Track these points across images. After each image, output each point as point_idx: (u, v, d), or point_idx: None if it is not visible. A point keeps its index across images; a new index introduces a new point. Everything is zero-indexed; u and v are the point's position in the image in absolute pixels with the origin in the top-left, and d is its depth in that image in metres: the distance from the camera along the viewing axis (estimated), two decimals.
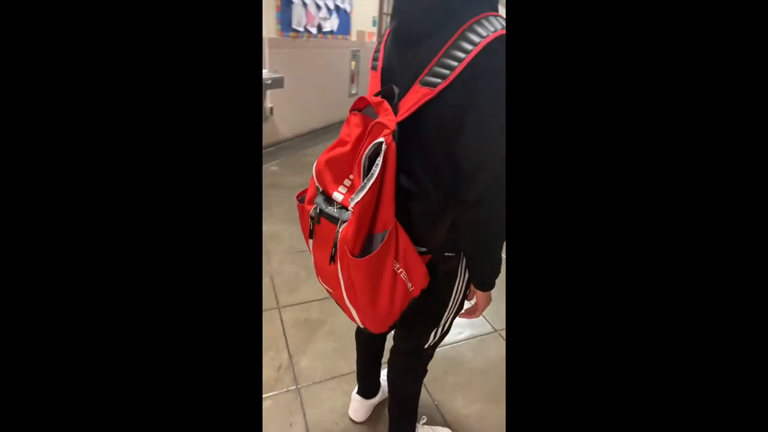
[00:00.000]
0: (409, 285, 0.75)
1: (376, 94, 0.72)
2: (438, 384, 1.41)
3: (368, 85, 0.78)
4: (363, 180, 0.66)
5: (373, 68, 0.76)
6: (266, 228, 2.30)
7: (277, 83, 2.81)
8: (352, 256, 0.68)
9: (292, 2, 3.19)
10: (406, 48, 0.69)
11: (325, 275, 0.81)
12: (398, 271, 0.73)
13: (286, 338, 1.55)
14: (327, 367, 1.43)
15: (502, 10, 0.64)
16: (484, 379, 1.44)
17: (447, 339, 1.58)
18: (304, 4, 3.32)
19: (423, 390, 1.37)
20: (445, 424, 1.27)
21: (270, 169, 3.20)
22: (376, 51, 0.77)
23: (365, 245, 0.69)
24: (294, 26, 3.30)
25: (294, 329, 1.60)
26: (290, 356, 1.47)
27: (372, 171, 0.65)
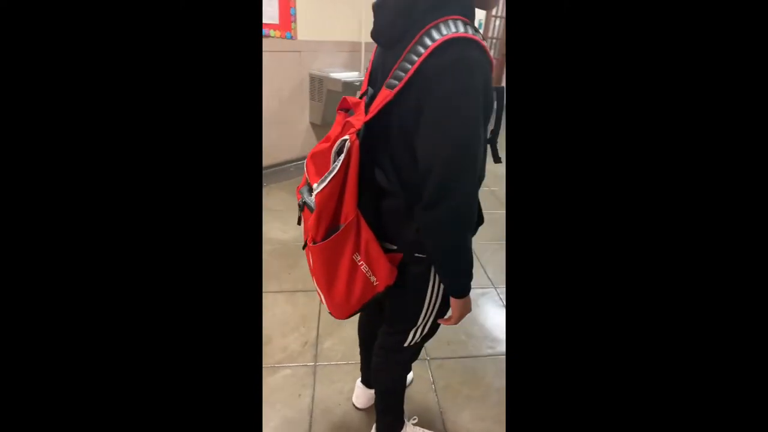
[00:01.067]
0: (373, 279, 0.78)
1: (361, 95, 0.77)
2: (449, 392, 1.38)
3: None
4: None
5: (366, 69, 0.81)
6: None
7: None
8: (312, 242, 0.74)
9: None
10: (384, 51, 0.72)
11: (306, 259, 0.88)
12: (359, 263, 0.76)
13: (319, 319, 1.67)
14: (346, 353, 1.51)
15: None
16: (499, 399, 1.36)
17: (471, 351, 1.55)
18: None
19: (431, 395, 1.37)
20: None
21: None
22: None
23: (329, 234, 0.75)
24: None
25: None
26: (317, 335, 1.58)
27: (333, 166, 0.71)
